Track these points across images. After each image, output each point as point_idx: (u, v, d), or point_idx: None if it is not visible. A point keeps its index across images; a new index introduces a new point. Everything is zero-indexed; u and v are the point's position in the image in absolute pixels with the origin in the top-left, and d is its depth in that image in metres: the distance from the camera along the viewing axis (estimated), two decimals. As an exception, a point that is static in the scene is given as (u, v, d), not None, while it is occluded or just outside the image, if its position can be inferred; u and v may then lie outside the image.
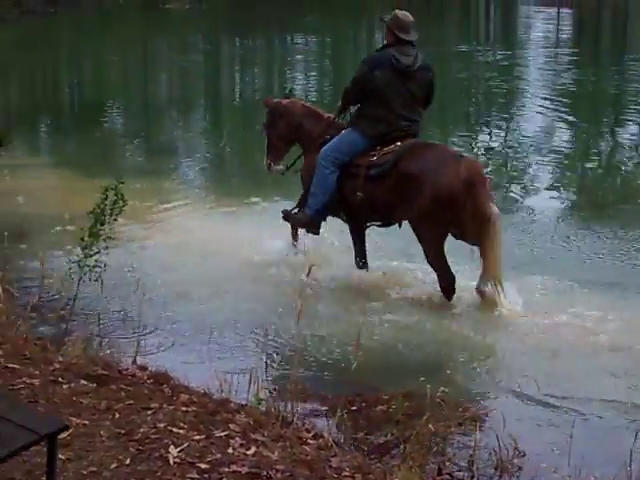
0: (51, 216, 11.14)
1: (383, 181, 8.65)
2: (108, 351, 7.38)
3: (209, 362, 7.39)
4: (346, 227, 9.38)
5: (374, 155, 8.76)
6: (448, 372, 7.34)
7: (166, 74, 29.31)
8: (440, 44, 27.56)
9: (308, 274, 7.22)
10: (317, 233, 9.46)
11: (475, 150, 15.59)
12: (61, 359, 6.54)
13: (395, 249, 9.75)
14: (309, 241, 9.63)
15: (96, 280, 7.47)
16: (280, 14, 39.43)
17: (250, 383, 6.35)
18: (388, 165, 8.60)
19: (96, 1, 48.17)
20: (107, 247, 7.41)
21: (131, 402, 5.79)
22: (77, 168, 14.20)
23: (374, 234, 9.46)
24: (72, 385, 6.03)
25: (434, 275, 8.69)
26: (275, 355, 7.65)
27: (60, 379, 6.12)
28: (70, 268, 7.47)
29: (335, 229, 9.55)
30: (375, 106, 8.85)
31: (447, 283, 8.62)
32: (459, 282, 8.65)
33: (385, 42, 9.09)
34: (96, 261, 7.38)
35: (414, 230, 8.69)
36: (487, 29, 43.39)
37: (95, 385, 6.10)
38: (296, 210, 9.57)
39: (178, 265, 9.77)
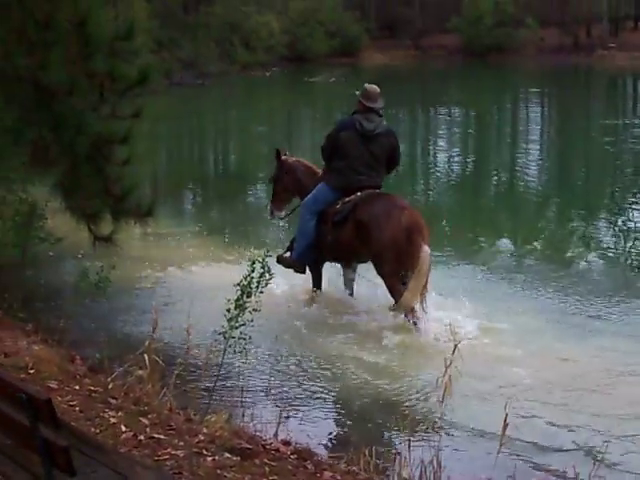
0: (196, 285, 11.34)
1: (345, 226, 10.17)
2: (251, 423, 7.37)
3: (353, 439, 7.32)
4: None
5: (338, 204, 10.28)
6: None
7: (309, 144, 29.74)
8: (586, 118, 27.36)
9: (453, 352, 7.15)
10: (303, 272, 10.86)
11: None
12: (205, 430, 6.56)
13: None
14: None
15: (241, 352, 7.50)
16: (425, 87, 39.79)
17: (395, 463, 6.26)
18: (346, 212, 10.14)
19: (243, 74, 49.54)
20: (252, 319, 7.44)
21: (275, 478, 5.77)
22: (222, 238, 14.42)
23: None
24: (216, 458, 6.03)
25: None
26: (419, 434, 7.50)
27: (204, 451, 6.13)
28: (216, 339, 7.54)
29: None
30: (339, 161, 10.43)
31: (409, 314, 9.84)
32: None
33: (355, 109, 10.54)
34: (241, 333, 7.40)
35: (375, 267, 10.12)
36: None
37: (239, 459, 6.08)
38: (287, 253, 10.96)
39: (321, 340, 9.73)
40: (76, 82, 8.68)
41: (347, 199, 10.21)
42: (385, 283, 10.03)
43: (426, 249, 9.72)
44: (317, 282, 10.93)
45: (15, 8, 8.44)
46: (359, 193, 10.19)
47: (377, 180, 10.52)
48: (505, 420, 6.46)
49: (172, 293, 11.14)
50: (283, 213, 11.74)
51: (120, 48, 8.81)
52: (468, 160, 25.36)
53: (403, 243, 9.69)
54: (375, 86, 10.55)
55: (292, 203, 11.63)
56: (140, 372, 7.38)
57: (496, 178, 22.68)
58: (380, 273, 10.07)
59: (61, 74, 8.59)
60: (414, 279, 9.66)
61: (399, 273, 9.82)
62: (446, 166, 23.79)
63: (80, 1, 8.54)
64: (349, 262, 10.76)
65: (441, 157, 25.51)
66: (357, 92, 10.54)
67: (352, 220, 10.08)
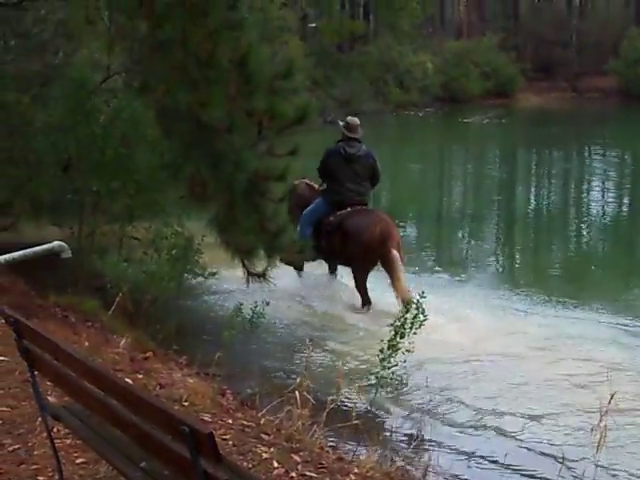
0: (349, 323, 11.35)
1: (335, 234, 12.39)
2: (401, 463, 7.26)
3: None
4: None
5: (331, 216, 12.53)
6: None
7: (461, 184, 29.61)
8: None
9: (610, 401, 6.93)
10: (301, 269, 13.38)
11: None
12: (356, 470, 6.48)
13: None
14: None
15: (392, 392, 7.44)
16: (580, 129, 39.16)
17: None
18: (335, 224, 12.42)
19: (397, 113, 49.72)
20: (405, 360, 7.37)
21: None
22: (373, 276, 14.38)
23: None
24: (369, 499, 5.96)
25: None
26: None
27: (355, 491, 6.07)
28: (367, 379, 7.49)
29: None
30: (332, 182, 12.81)
31: (364, 303, 12.13)
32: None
33: (339, 139, 12.83)
34: (393, 374, 7.35)
35: (351, 266, 12.35)
36: None
37: (390, 500, 6.01)
38: None
39: (470, 384, 9.54)
40: (235, 119, 8.83)
41: (338, 213, 12.48)
42: (355, 277, 12.25)
43: (395, 253, 11.92)
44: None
45: (178, 46, 8.64)
46: (349, 209, 12.51)
47: (364, 194, 12.89)
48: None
49: (325, 330, 11.14)
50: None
51: (279, 86, 8.92)
52: (623, 204, 24.74)
53: (376, 247, 11.93)
54: (356, 119, 13.08)
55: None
56: (291, 408, 7.37)
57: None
58: (353, 269, 12.34)
59: (221, 111, 8.75)
60: (395, 278, 11.88)
61: (367, 270, 12.21)
62: (601, 208, 23.23)
63: (241, 39, 8.69)
64: (335, 261, 13.08)
65: (595, 199, 24.93)
66: (341, 123, 13.05)
67: (339, 230, 12.35)
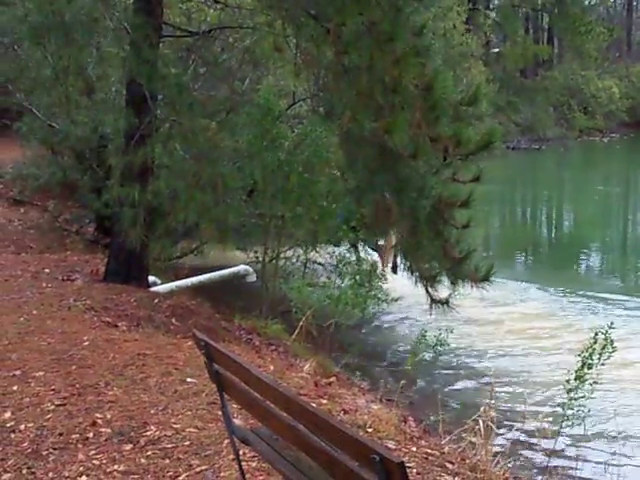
0: (533, 353, 11.15)
1: None
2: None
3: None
4: None
5: None
6: None
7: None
8: None
9: None
10: None
11: None
12: (541, 504, 6.36)
13: None
14: None
15: (579, 424, 7.23)
16: None
17: None
18: None
19: (580, 139, 48.76)
20: (592, 391, 7.15)
21: None
22: (559, 304, 14.15)
23: None
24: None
25: None
26: None
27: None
28: (553, 409, 7.32)
29: None
30: None
31: None
32: None
33: None
34: (580, 405, 7.14)
35: None
36: None
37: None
38: None
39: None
40: (420, 145, 8.79)
41: None
42: None
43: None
44: None
45: (364, 72, 8.68)
46: None
47: None
48: None
49: (509, 359, 10.97)
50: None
51: (464, 112, 8.85)
52: None
53: None
54: None
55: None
56: (474, 438, 7.25)
57: None
58: None
59: (405, 137, 8.73)
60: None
61: None
62: None
63: (426, 65, 8.67)
64: None
65: None
66: None
67: None
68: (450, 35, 33.13)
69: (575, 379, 7.16)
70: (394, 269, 13.22)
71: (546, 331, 12.35)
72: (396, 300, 11.74)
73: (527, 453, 7.97)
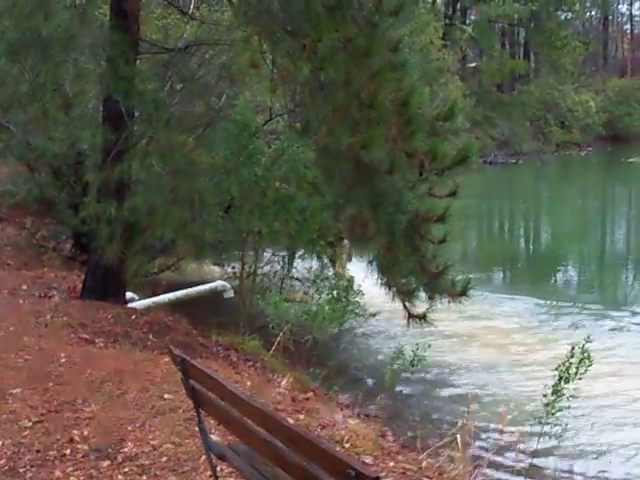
0: (510, 367, 11.19)
1: None
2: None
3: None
4: None
5: None
6: None
7: (625, 221, 28.89)
8: None
9: None
10: None
11: None
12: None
13: None
14: None
15: (557, 438, 7.26)
16: None
17: None
18: None
19: (557, 153, 49.02)
20: (569, 406, 7.18)
21: None
22: (535, 319, 14.17)
23: None
24: None
25: None
26: None
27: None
28: (530, 424, 7.34)
29: None
30: None
31: None
32: None
33: None
34: (557, 419, 7.16)
35: None
36: None
37: None
38: None
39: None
40: (396, 160, 8.81)
41: None
42: None
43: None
44: None
45: (340, 88, 8.70)
46: None
47: None
48: None
49: (486, 374, 11.00)
50: None
51: (441, 127, 8.88)
52: None
53: None
54: None
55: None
56: (452, 452, 7.26)
57: None
58: None
59: (382, 152, 8.75)
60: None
61: None
62: None
63: (402, 81, 8.70)
64: None
65: None
66: None
67: None
68: (427, 50, 33.28)
69: (552, 393, 7.18)
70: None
71: (524, 345, 12.40)
72: (374, 315, 11.75)
73: (504, 467, 7.98)
